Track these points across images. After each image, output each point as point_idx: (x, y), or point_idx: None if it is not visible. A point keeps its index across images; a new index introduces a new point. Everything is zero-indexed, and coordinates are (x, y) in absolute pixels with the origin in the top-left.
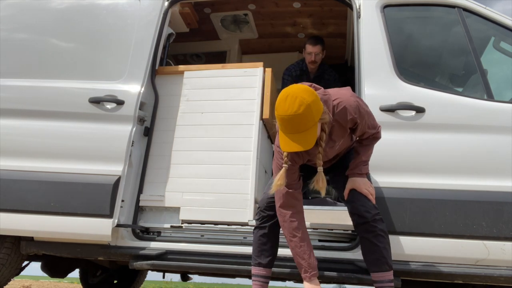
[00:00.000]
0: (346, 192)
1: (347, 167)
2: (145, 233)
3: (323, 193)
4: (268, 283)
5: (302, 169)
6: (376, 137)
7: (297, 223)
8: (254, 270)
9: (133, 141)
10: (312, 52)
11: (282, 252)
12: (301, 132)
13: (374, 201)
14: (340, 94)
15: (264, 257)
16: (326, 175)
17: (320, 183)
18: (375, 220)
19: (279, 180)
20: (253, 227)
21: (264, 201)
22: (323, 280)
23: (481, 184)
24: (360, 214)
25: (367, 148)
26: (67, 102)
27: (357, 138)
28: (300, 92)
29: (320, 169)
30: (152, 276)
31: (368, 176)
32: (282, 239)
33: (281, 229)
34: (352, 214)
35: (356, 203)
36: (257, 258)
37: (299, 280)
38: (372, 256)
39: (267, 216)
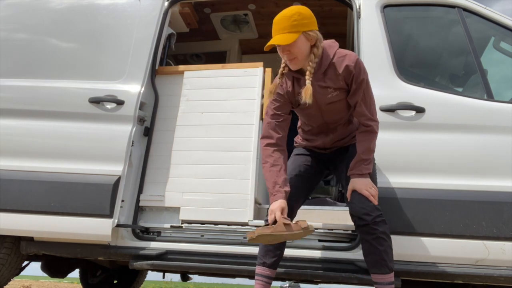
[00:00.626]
0: (348, 194)
1: None
2: (145, 233)
3: (309, 101)
4: (270, 284)
5: (304, 172)
6: (371, 131)
7: (271, 151)
8: (258, 269)
9: (133, 141)
10: None
11: None
12: (285, 32)
13: (376, 202)
14: (347, 51)
15: (269, 257)
16: (329, 175)
17: (308, 91)
18: (375, 223)
19: (270, 87)
20: (253, 227)
21: None
22: (323, 280)
23: (481, 184)
24: (360, 216)
25: (363, 144)
26: (67, 102)
27: (358, 128)
28: (298, 7)
29: (308, 82)
30: (152, 276)
31: (371, 176)
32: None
33: None
34: (352, 215)
35: (356, 205)
36: (262, 257)
37: (299, 280)
38: (372, 258)
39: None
